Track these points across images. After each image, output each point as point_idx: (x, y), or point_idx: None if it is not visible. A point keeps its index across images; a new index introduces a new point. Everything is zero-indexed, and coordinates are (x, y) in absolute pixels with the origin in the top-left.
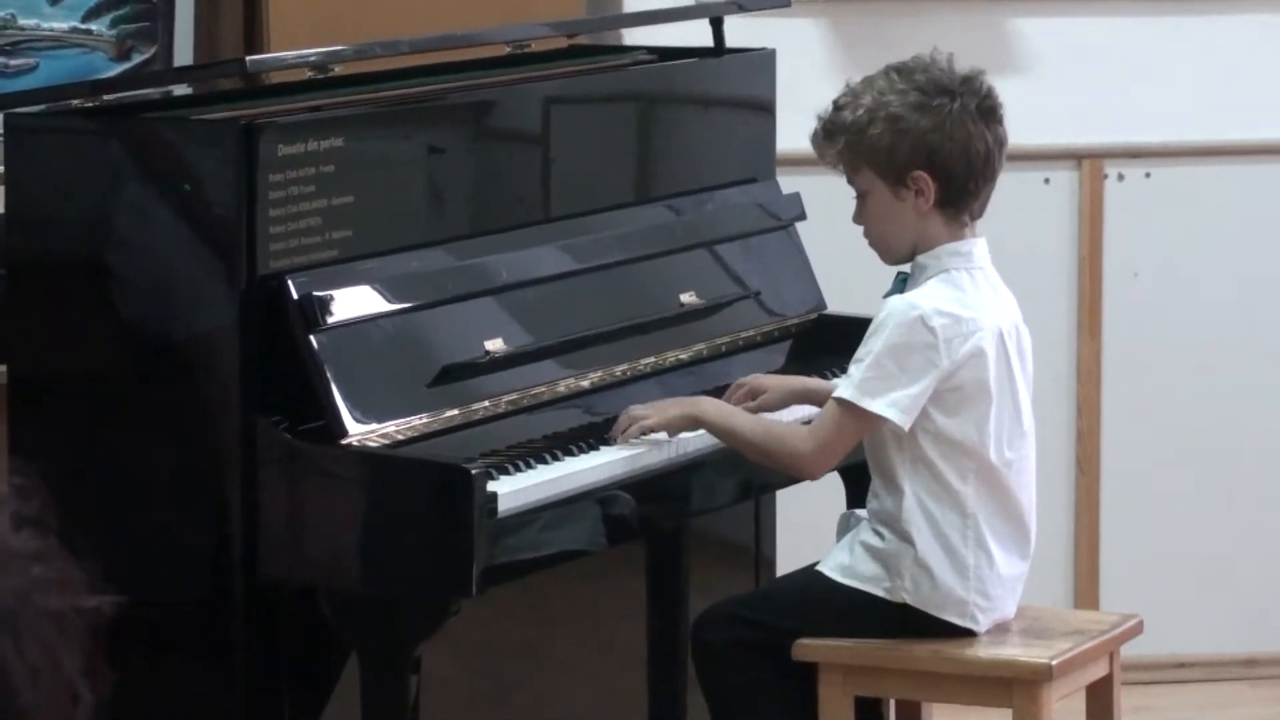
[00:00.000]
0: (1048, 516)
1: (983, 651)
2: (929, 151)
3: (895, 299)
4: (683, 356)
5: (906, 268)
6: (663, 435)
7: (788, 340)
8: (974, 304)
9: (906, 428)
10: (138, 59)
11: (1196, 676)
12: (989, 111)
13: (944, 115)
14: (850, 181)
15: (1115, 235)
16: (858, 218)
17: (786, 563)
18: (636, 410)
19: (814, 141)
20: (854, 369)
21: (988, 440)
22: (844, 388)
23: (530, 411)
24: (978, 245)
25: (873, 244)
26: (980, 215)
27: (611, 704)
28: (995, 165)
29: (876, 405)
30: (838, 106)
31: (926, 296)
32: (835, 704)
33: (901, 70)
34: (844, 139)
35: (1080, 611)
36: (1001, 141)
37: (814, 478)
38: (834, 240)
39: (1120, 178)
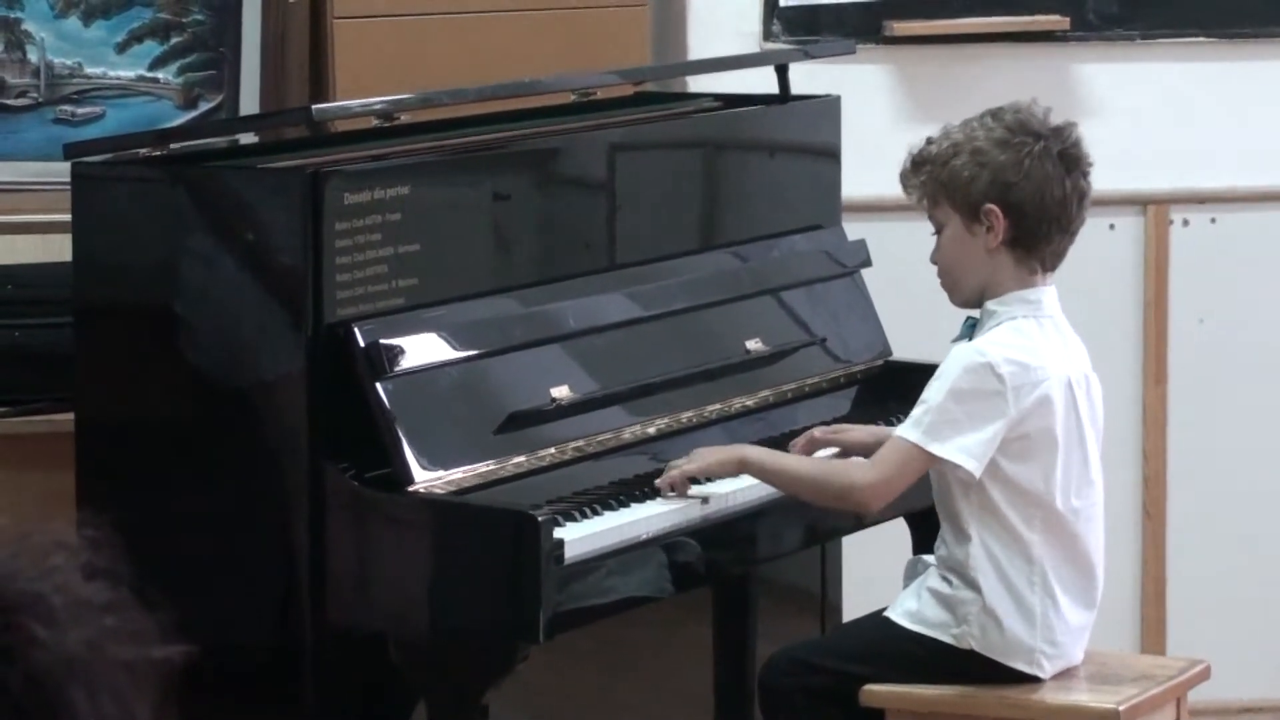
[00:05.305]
0: (1114, 562)
1: (1049, 697)
2: (1003, 187)
3: (961, 345)
4: (749, 403)
5: (976, 313)
6: (715, 487)
7: (854, 387)
8: (1042, 352)
9: (978, 475)
10: (204, 107)
11: None
12: (1072, 160)
13: (1024, 154)
14: (930, 216)
15: (1180, 281)
16: (935, 255)
17: (853, 609)
18: (674, 463)
19: (901, 175)
20: (917, 410)
21: (1054, 488)
22: (908, 429)
23: (597, 458)
24: (1047, 294)
25: (944, 282)
26: (1054, 268)
27: None
28: (1072, 214)
29: (946, 450)
30: (929, 141)
31: (994, 344)
32: None
33: (996, 113)
34: (928, 169)
35: (1147, 657)
36: (1082, 193)
37: (870, 511)
38: (900, 286)
39: (1185, 223)
